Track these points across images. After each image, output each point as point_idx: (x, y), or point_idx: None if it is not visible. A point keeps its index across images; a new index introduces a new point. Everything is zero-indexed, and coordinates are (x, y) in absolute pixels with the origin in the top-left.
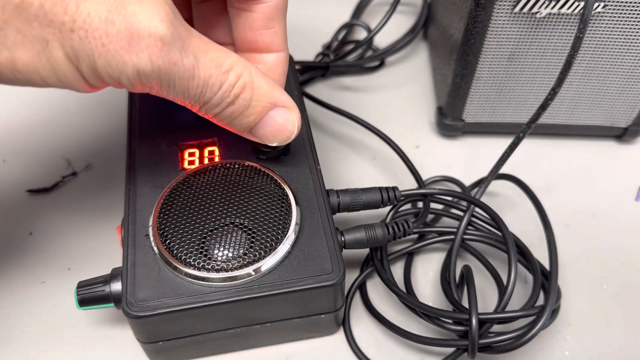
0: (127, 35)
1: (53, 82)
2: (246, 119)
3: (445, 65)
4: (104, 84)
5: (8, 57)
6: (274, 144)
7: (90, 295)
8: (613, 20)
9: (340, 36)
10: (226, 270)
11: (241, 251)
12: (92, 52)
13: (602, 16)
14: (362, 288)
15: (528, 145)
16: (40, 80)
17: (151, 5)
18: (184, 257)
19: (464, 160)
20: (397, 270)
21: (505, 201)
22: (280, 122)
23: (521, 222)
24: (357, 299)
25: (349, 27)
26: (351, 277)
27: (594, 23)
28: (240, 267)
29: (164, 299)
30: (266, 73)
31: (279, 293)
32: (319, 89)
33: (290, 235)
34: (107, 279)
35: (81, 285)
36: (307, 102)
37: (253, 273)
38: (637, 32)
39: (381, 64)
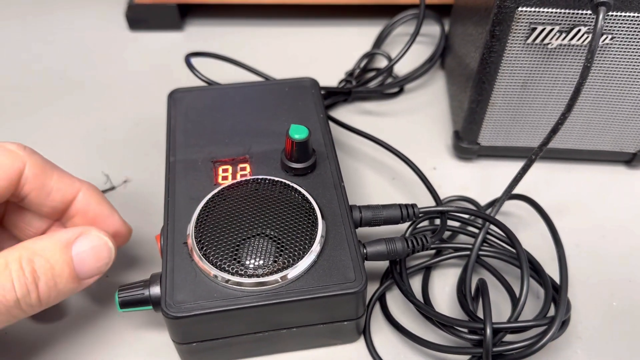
0: None
1: None
2: (64, 280)
3: (461, 92)
4: None
5: None
6: (102, 268)
7: (130, 297)
8: (620, 52)
9: (362, 64)
10: (257, 276)
11: (271, 259)
12: None
13: (609, 47)
14: (381, 299)
15: (541, 168)
16: None
17: None
18: (219, 263)
19: (479, 181)
20: (414, 284)
21: (517, 220)
22: (91, 254)
23: (533, 241)
24: (376, 310)
25: (370, 55)
26: (371, 289)
27: (603, 54)
28: (270, 273)
29: (200, 301)
30: (84, 211)
31: (305, 299)
32: (342, 113)
33: (316, 246)
34: (146, 283)
35: (122, 289)
36: (331, 124)
37: (280, 280)
38: None
39: (400, 91)
